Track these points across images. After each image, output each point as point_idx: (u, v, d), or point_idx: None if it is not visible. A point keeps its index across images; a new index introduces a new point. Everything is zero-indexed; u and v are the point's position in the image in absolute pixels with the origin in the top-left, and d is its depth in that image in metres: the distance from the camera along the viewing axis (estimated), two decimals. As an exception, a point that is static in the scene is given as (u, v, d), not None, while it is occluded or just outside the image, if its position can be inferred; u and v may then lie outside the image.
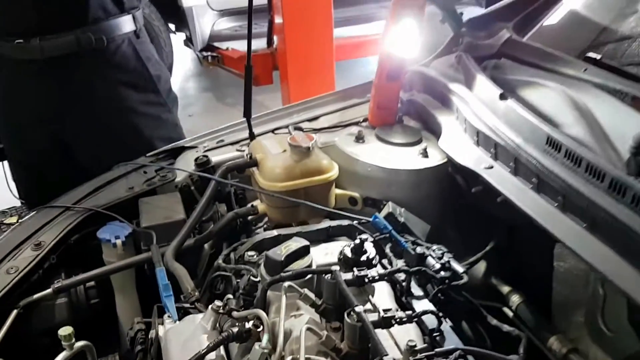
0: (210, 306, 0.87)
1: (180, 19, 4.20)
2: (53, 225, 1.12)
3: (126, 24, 1.49)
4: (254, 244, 1.04)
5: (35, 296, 1.01)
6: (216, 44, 4.26)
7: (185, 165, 1.31)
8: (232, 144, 1.36)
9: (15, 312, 0.98)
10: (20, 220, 1.20)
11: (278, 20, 3.46)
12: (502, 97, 0.97)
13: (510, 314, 1.11)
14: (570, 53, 1.25)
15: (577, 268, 1.02)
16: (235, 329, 0.82)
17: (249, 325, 0.83)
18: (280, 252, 0.94)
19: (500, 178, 0.91)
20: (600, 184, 0.71)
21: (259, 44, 3.81)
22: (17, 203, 2.30)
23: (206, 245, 1.19)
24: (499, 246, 1.18)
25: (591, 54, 1.01)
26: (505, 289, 1.13)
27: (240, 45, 4.16)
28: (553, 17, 1.41)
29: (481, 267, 1.19)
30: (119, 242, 1.12)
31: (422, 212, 1.20)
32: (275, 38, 3.64)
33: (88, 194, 1.21)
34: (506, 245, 1.18)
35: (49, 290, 1.02)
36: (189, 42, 4.35)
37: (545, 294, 1.09)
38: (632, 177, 0.67)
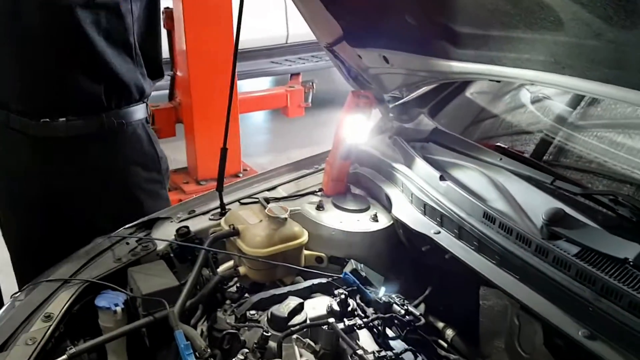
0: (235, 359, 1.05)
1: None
2: (56, 297, 1.22)
3: (142, 110, 1.67)
4: (253, 304, 1.23)
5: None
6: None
7: (163, 235, 1.46)
8: (203, 213, 1.54)
9: (38, 380, 1.08)
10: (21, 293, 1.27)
11: (180, 74, 3.63)
12: (442, 178, 1.28)
13: (445, 345, 1.40)
14: (457, 130, 1.63)
15: (498, 304, 1.33)
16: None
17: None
18: (282, 309, 1.16)
19: (448, 241, 1.20)
20: (528, 248, 1.03)
21: (160, 97, 3.94)
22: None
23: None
24: (432, 290, 1.47)
25: (500, 144, 1.37)
26: (440, 324, 1.42)
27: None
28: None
29: (421, 307, 1.48)
30: (118, 309, 1.25)
31: (374, 266, 1.48)
32: (177, 92, 3.80)
33: (81, 267, 1.32)
34: (439, 289, 1.48)
35: (64, 357, 1.12)
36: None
37: (473, 327, 1.39)
38: (552, 244, 0.99)
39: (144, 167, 1.70)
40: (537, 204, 1.12)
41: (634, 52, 0.81)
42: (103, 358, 1.26)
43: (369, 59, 1.50)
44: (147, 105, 1.71)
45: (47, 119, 1.54)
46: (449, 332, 1.38)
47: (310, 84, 5.07)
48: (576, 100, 1.58)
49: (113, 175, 1.65)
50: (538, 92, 1.72)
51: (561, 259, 0.97)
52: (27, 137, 1.59)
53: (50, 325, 1.16)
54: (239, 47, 3.42)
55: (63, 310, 1.20)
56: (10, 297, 1.28)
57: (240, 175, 4.20)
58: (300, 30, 5.37)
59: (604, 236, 0.99)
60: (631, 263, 0.91)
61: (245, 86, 5.48)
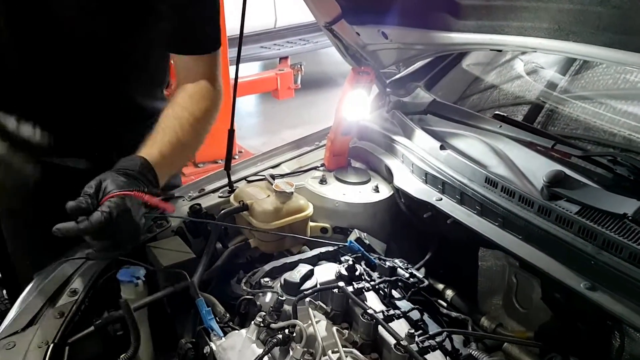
0: (252, 322, 1.11)
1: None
2: (80, 274, 1.27)
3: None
4: (266, 272, 1.29)
5: (81, 334, 1.17)
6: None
7: (176, 213, 1.50)
8: (212, 191, 1.59)
9: (67, 349, 1.13)
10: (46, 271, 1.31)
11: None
12: (442, 147, 1.34)
13: (445, 305, 1.45)
14: (453, 101, 1.68)
15: (496, 264, 1.40)
16: (280, 336, 1.07)
17: (286, 332, 1.09)
18: (294, 275, 1.21)
19: (451, 207, 1.26)
20: (531, 209, 1.09)
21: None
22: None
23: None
24: (432, 255, 1.54)
25: (498, 112, 1.42)
26: (440, 286, 1.48)
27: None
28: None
29: (421, 271, 1.54)
30: (140, 282, 1.29)
31: (377, 234, 1.54)
32: (171, 80, 3.81)
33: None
34: (438, 254, 1.55)
35: (91, 328, 1.17)
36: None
37: (471, 287, 1.46)
38: (554, 203, 1.05)
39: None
40: (537, 168, 1.19)
41: (638, 18, 0.86)
42: (126, 329, 1.31)
43: (368, 35, 1.55)
44: None
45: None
46: (449, 293, 1.45)
47: (299, 66, 5.10)
48: (565, 67, 1.64)
49: None
50: (531, 61, 1.78)
51: (564, 217, 1.03)
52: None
53: (77, 300, 1.21)
54: (228, 34, 3.44)
55: (87, 286, 1.24)
56: (35, 276, 1.33)
57: (236, 157, 4.25)
58: (288, 14, 5.41)
59: (603, 195, 1.05)
60: (630, 218, 0.97)
61: (233, 71, 5.49)
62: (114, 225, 1.01)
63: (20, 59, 1.36)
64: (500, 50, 1.48)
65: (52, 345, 1.10)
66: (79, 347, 1.17)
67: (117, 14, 1.27)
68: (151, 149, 1.16)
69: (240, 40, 1.48)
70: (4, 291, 2.29)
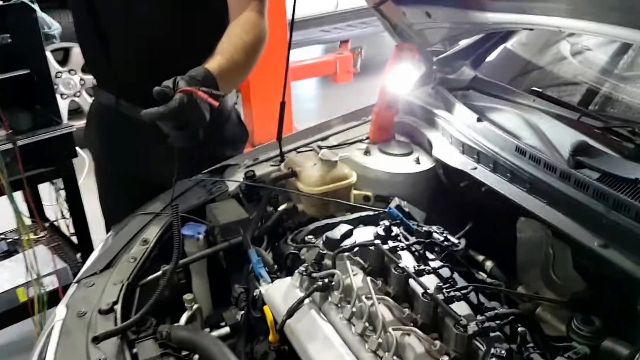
0: (296, 271, 1.25)
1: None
2: (151, 226, 1.46)
3: (233, 96, 1.82)
4: (310, 231, 1.43)
5: (150, 277, 1.35)
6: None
7: (234, 179, 1.67)
8: (265, 160, 1.74)
9: (138, 289, 1.32)
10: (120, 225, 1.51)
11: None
12: (479, 120, 1.42)
13: (485, 275, 1.55)
14: (503, 80, 1.75)
15: (534, 236, 1.46)
16: (320, 283, 1.20)
17: (326, 280, 1.22)
18: (335, 233, 1.34)
19: (484, 175, 1.35)
20: (554, 174, 1.17)
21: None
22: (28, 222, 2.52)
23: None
24: (472, 226, 1.62)
25: (535, 88, 1.49)
26: (480, 257, 1.57)
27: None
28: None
29: (461, 243, 1.63)
30: (201, 236, 1.47)
31: (417, 204, 1.64)
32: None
33: (169, 203, 1.55)
34: (478, 225, 1.63)
35: (159, 273, 1.35)
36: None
37: (510, 258, 1.53)
38: (574, 169, 1.12)
39: (233, 147, 1.86)
40: (566, 139, 1.25)
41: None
42: (188, 277, 1.48)
43: (413, 15, 1.64)
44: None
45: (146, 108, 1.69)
46: (488, 264, 1.52)
47: (359, 50, 5.19)
48: (620, 51, 1.67)
49: (205, 157, 1.74)
50: (579, 43, 1.81)
51: (581, 181, 1.11)
52: (133, 122, 1.69)
53: (147, 248, 1.39)
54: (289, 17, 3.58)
55: (156, 236, 1.43)
56: (112, 228, 1.52)
57: (293, 137, 4.41)
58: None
59: (622, 163, 1.12)
60: (640, 182, 1.04)
61: (294, 55, 5.65)
62: (185, 112, 1.19)
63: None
64: (532, 29, 1.54)
65: (126, 284, 1.28)
66: (148, 288, 1.36)
67: None
68: (212, 64, 1.34)
69: (292, 19, 1.61)
70: (79, 254, 2.56)
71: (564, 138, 1.26)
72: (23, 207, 2.29)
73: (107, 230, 1.97)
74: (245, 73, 1.54)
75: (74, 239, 2.57)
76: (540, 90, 1.45)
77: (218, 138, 1.81)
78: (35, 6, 2.09)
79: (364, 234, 1.42)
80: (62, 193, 2.48)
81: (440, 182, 1.62)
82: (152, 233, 1.43)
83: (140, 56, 1.64)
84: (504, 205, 1.34)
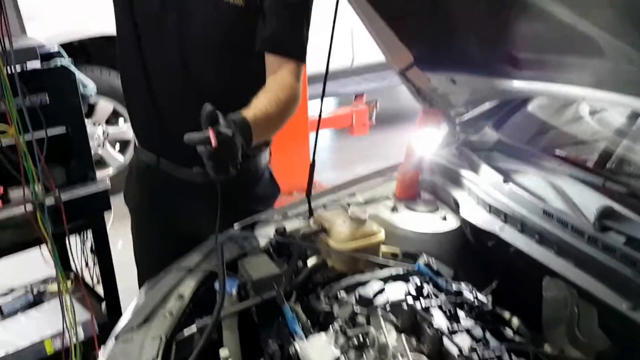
0: (331, 328, 1.29)
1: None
2: (186, 282, 1.50)
3: (267, 154, 1.90)
4: (342, 287, 1.47)
5: (186, 333, 1.39)
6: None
7: (263, 234, 1.72)
8: (295, 216, 1.80)
9: (174, 345, 1.36)
10: (155, 279, 1.56)
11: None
12: (505, 181, 1.48)
13: (512, 333, 1.57)
14: (522, 140, 1.82)
15: (560, 295, 1.50)
16: (355, 341, 1.24)
17: (361, 338, 1.25)
18: (368, 291, 1.39)
19: (512, 236, 1.40)
20: (582, 238, 1.21)
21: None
22: (52, 273, 2.57)
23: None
24: (498, 284, 1.66)
25: (558, 153, 1.55)
26: (507, 314, 1.60)
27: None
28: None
29: (488, 300, 1.66)
30: (233, 291, 1.51)
31: (444, 260, 1.68)
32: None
33: (203, 258, 1.60)
34: (504, 283, 1.66)
35: (195, 329, 1.39)
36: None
37: (536, 315, 1.56)
38: (600, 233, 1.17)
39: (265, 203, 1.92)
40: (591, 203, 1.31)
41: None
42: (219, 331, 1.52)
43: (438, 80, 1.73)
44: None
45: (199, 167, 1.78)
46: (515, 321, 1.55)
47: (374, 103, 5.33)
48: (635, 113, 1.74)
49: (240, 213, 1.81)
50: (596, 105, 1.89)
51: (609, 246, 1.15)
52: (173, 179, 1.81)
53: (183, 303, 1.43)
54: (308, 72, 3.72)
55: (192, 292, 1.47)
56: (146, 282, 1.57)
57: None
58: (365, 53, 5.66)
59: (647, 228, 1.16)
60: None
61: (312, 107, 5.82)
62: (223, 147, 1.28)
63: (147, 57, 1.68)
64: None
65: (164, 339, 1.32)
66: (184, 344, 1.39)
67: (240, 20, 1.62)
68: (248, 113, 1.42)
69: (326, 74, 1.70)
70: (103, 305, 2.59)
71: (589, 202, 1.31)
72: (47, 256, 2.35)
73: (140, 282, 2.02)
74: (276, 128, 1.63)
75: (98, 288, 2.61)
76: (564, 154, 1.51)
77: (252, 195, 1.88)
78: (74, 69, 2.20)
79: (395, 291, 1.45)
80: (87, 243, 2.54)
81: (466, 240, 1.67)
82: (188, 287, 1.48)
83: (188, 116, 1.72)
84: (530, 264, 1.39)
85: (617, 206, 1.25)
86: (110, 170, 4.57)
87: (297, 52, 1.66)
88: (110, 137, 4.54)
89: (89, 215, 2.23)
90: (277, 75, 1.63)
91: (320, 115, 1.71)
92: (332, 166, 5.41)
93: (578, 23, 1.08)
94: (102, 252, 2.41)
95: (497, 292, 1.62)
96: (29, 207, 1.66)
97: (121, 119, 4.56)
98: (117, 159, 4.60)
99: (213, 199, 1.80)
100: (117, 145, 4.65)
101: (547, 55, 1.27)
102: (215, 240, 1.68)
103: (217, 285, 1.51)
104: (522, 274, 1.53)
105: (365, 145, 5.53)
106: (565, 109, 1.98)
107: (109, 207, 2.24)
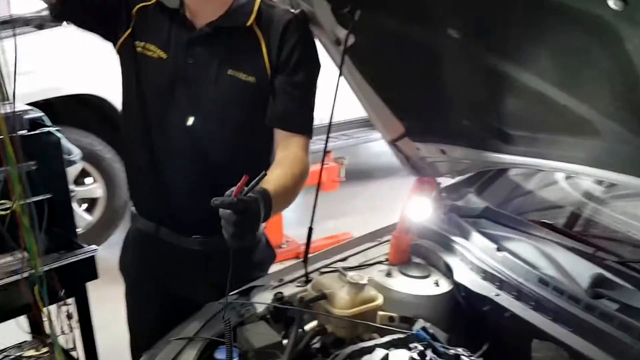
0: (341, 398, 1.31)
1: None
2: (185, 352, 1.49)
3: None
4: (347, 355, 1.49)
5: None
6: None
7: (260, 300, 1.73)
8: (291, 281, 1.82)
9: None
10: (153, 351, 1.54)
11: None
12: (499, 250, 1.56)
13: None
14: (505, 205, 1.93)
15: (548, 356, 1.58)
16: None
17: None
18: (373, 359, 1.42)
19: (508, 301, 1.47)
20: (578, 305, 1.29)
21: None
22: (27, 337, 2.49)
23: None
24: (489, 346, 1.72)
25: (546, 221, 1.66)
26: (499, 377, 1.65)
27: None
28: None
29: (480, 361, 1.71)
30: (236, 360, 1.51)
31: (438, 325, 1.73)
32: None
33: (201, 327, 1.60)
34: (494, 344, 1.72)
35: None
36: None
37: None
38: (597, 302, 1.26)
39: (261, 269, 1.94)
40: (582, 270, 1.40)
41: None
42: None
43: (428, 150, 1.83)
44: None
45: (199, 236, 1.78)
46: (507, 383, 1.61)
47: (342, 160, 5.46)
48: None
49: (237, 280, 1.75)
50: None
51: (606, 313, 1.23)
52: (172, 248, 1.82)
53: (185, 375, 1.42)
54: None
55: (193, 362, 1.46)
56: (145, 354, 1.55)
57: (284, 246, 4.51)
58: (329, 114, 5.78)
59: (638, 295, 1.25)
60: (661, 316, 1.17)
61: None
62: (249, 214, 1.31)
63: (153, 128, 1.71)
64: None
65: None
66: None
67: (251, 96, 1.68)
68: (268, 185, 1.46)
69: (326, 142, 1.77)
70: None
71: (580, 270, 1.40)
72: (24, 324, 2.27)
73: (133, 350, 1.98)
74: (291, 200, 1.69)
75: (74, 354, 2.53)
76: (551, 223, 1.61)
77: (249, 262, 1.90)
78: (60, 135, 2.20)
79: (399, 358, 1.49)
80: (64, 308, 2.47)
81: (457, 303, 1.73)
82: (189, 358, 1.47)
83: (194, 187, 1.75)
84: (523, 328, 1.45)
85: (607, 274, 1.34)
86: (78, 230, 4.47)
87: (306, 128, 1.74)
88: (78, 196, 4.48)
89: (75, 284, 2.18)
90: (288, 150, 1.69)
91: (319, 181, 1.78)
92: (304, 222, 5.42)
93: (574, 105, 1.18)
94: (84, 320, 2.34)
95: (488, 355, 1.68)
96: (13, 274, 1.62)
97: (88, 179, 4.51)
98: (85, 219, 4.52)
99: (211, 266, 1.82)
100: (84, 205, 4.58)
101: (539, 134, 1.37)
102: (217, 307, 1.69)
103: (217, 355, 1.51)
104: (513, 337, 1.59)
105: (336, 201, 5.60)
106: (543, 175, 2.11)
107: (95, 276, 2.20)
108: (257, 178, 1.35)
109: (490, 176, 2.07)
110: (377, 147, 6.91)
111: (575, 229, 1.81)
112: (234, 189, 1.33)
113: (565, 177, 2.06)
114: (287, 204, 1.70)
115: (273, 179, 1.52)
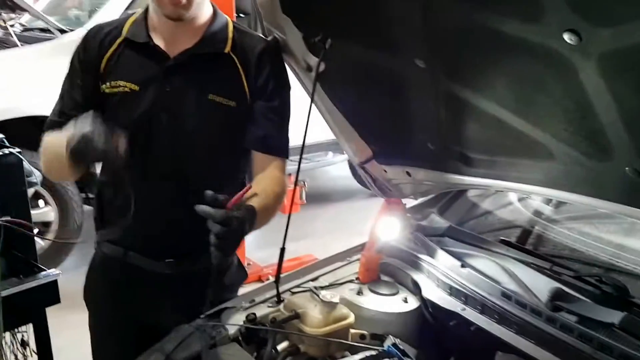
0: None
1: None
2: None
3: None
4: (322, 374, 1.53)
5: None
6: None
7: (232, 321, 1.75)
8: (262, 302, 1.85)
9: None
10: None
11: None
12: (463, 266, 1.64)
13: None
14: (466, 224, 2.03)
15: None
16: None
17: None
18: (348, 377, 1.46)
19: (474, 316, 1.55)
20: (540, 318, 1.38)
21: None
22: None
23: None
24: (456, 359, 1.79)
25: (504, 238, 1.75)
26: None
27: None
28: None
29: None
30: (211, 383, 1.52)
31: (407, 340, 1.79)
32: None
33: (173, 350, 1.60)
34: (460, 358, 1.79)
35: None
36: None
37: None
38: (557, 314, 1.35)
39: (231, 290, 1.96)
40: (539, 284, 1.49)
41: (607, 176, 1.21)
42: None
43: (394, 173, 1.91)
44: None
45: (172, 260, 1.79)
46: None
47: (303, 182, 5.52)
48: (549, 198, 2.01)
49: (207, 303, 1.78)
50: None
51: (566, 325, 1.32)
52: (140, 271, 1.82)
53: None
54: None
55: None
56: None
57: (246, 268, 4.49)
58: (292, 136, 5.87)
59: (594, 307, 1.35)
60: (616, 326, 1.27)
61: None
62: (237, 227, 1.37)
63: (132, 162, 1.68)
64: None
65: None
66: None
67: (231, 119, 1.73)
68: (252, 201, 1.51)
69: (299, 164, 1.84)
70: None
71: (539, 284, 1.49)
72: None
73: None
74: (271, 217, 1.73)
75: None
76: (510, 240, 1.71)
77: (221, 284, 1.91)
78: (22, 157, 2.18)
79: (369, 375, 1.54)
80: (19, 335, 2.41)
81: (425, 319, 1.79)
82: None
83: (169, 211, 1.76)
84: (486, 340, 1.53)
85: (564, 287, 1.44)
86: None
87: (284, 151, 1.82)
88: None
89: (35, 309, 2.13)
90: (267, 171, 1.75)
91: (292, 201, 1.83)
92: (265, 244, 5.44)
93: (530, 130, 1.28)
94: (42, 347, 2.29)
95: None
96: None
97: (41, 201, 4.40)
98: (37, 243, 4.39)
99: (179, 290, 1.83)
100: (36, 229, 4.45)
101: (498, 157, 1.47)
102: (187, 329, 1.70)
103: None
104: (479, 350, 1.67)
105: (297, 223, 5.63)
106: (499, 196, 2.23)
107: (58, 301, 2.16)
108: (241, 192, 1.41)
109: (451, 197, 2.16)
110: (335, 170, 7.04)
111: (527, 246, 1.92)
112: (212, 193, 1.38)
113: (518, 198, 2.18)
114: (268, 220, 1.74)
115: (256, 196, 1.57)
